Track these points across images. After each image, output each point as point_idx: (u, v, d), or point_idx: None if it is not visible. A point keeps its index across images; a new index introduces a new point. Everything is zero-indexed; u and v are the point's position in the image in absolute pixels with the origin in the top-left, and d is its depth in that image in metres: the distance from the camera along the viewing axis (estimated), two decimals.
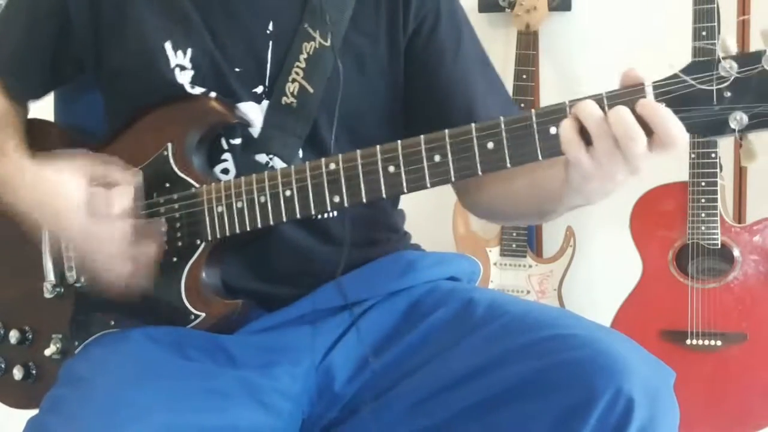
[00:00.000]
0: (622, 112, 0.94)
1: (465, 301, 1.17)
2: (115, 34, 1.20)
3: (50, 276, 1.25)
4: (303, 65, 1.18)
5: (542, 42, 2.47)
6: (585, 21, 2.51)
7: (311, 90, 1.18)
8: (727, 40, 0.92)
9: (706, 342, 2.17)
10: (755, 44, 0.91)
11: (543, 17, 2.42)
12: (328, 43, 1.18)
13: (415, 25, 1.23)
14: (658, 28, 2.40)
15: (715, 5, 2.08)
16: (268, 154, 1.18)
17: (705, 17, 2.07)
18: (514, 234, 2.42)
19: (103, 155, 1.19)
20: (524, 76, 2.37)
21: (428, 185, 1.05)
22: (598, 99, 0.96)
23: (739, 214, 2.40)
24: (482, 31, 2.56)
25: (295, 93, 1.18)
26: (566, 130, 0.96)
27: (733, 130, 0.92)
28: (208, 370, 1.12)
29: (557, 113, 0.98)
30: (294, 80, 1.18)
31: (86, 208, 1.11)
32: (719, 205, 2.13)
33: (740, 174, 2.39)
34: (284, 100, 1.18)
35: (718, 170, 2.13)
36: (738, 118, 0.91)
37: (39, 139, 1.27)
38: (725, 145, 2.18)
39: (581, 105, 0.96)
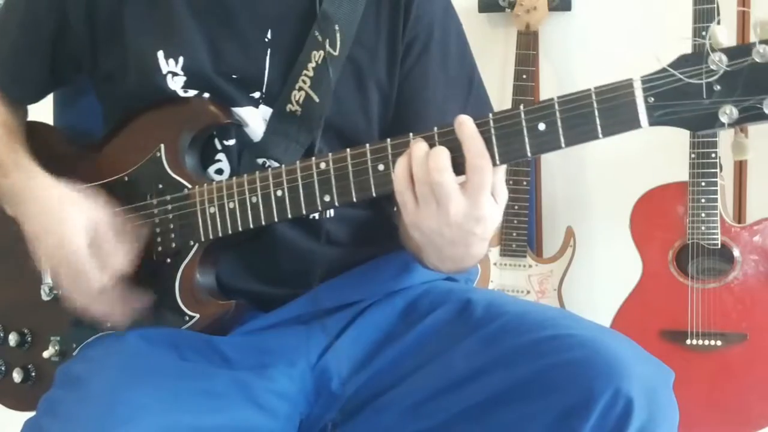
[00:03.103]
0: (438, 150, 0.98)
1: (463, 301, 1.17)
2: (110, 38, 1.20)
3: (48, 278, 1.25)
4: (311, 74, 1.17)
5: (542, 42, 2.46)
6: (585, 21, 2.50)
7: (317, 99, 1.17)
8: (718, 33, 0.90)
9: (706, 342, 2.16)
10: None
11: (543, 17, 2.42)
12: (336, 53, 1.17)
13: (409, 39, 1.22)
14: (658, 28, 2.39)
15: (715, 5, 2.07)
16: (269, 160, 1.18)
17: (705, 17, 2.07)
18: (514, 234, 2.42)
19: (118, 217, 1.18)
20: (524, 76, 2.37)
21: None
22: (429, 136, 1.00)
23: (739, 214, 2.39)
24: (482, 31, 2.54)
25: (301, 101, 1.17)
26: (399, 167, 1.00)
27: (723, 124, 0.90)
28: (204, 370, 1.12)
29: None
30: (300, 89, 1.17)
31: (88, 249, 1.11)
32: (719, 205, 2.12)
33: (740, 174, 2.38)
34: (289, 107, 1.18)
35: (718, 170, 2.12)
36: (728, 112, 0.89)
37: (36, 141, 1.27)
38: (725, 145, 2.17)
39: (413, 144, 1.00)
